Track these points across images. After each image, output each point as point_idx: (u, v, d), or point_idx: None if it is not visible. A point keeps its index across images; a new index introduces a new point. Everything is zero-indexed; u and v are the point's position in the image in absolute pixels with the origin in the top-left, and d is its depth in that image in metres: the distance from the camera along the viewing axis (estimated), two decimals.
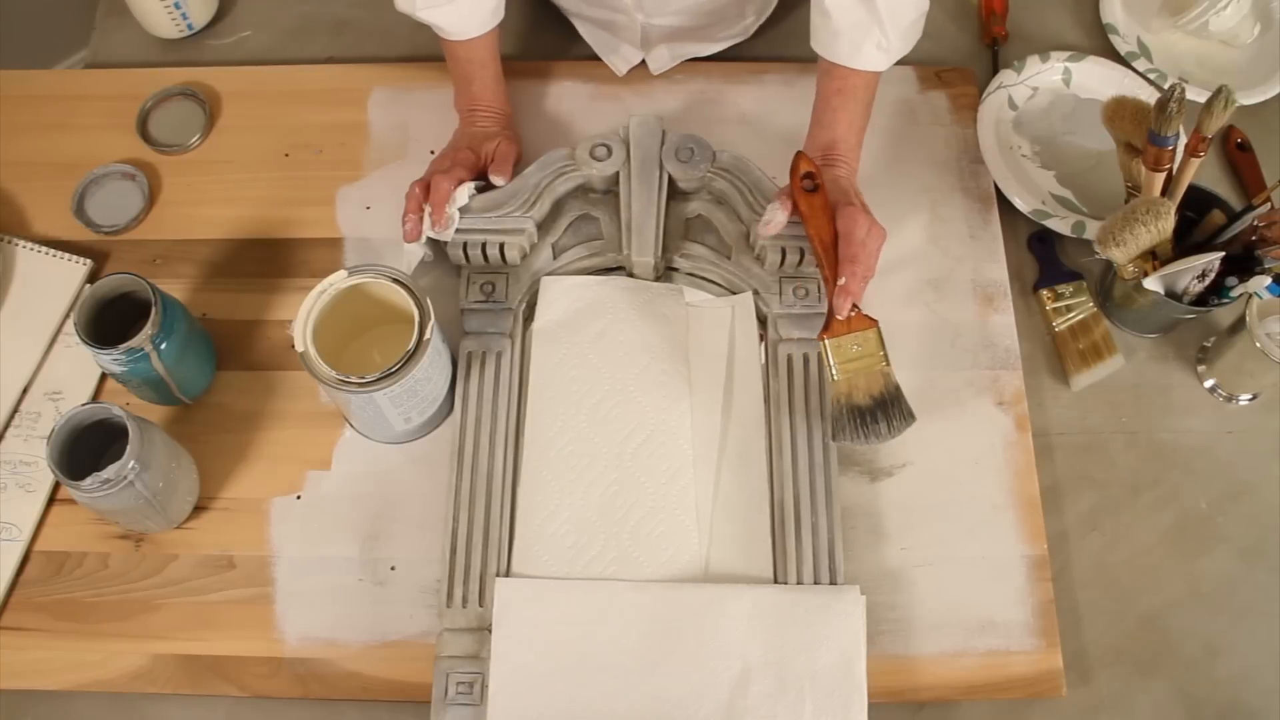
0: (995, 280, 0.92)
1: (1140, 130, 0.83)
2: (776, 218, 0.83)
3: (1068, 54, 1.02)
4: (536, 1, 1.07)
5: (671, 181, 0.89)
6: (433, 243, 0.89)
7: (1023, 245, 0.96)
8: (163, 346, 0.81)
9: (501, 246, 0.88)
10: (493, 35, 0.93)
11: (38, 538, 0.84)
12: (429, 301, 0.79)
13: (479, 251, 0.88)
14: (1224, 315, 0.90)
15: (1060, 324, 0.92)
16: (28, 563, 0.83)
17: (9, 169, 0.98)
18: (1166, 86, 0.83)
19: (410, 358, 0.78)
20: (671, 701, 0.75)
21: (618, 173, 0.89)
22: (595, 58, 1.02)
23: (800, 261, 0.87)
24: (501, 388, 0.85)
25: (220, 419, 0.88)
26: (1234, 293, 0.83)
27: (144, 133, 1.00)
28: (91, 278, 0.93)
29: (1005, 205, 0.95)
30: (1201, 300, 0.85)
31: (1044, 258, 0.95)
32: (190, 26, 1.06)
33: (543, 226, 0.90)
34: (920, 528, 0.83)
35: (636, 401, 0.85)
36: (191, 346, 0.85)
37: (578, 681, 0.76)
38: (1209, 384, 0.90)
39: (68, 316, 0.90)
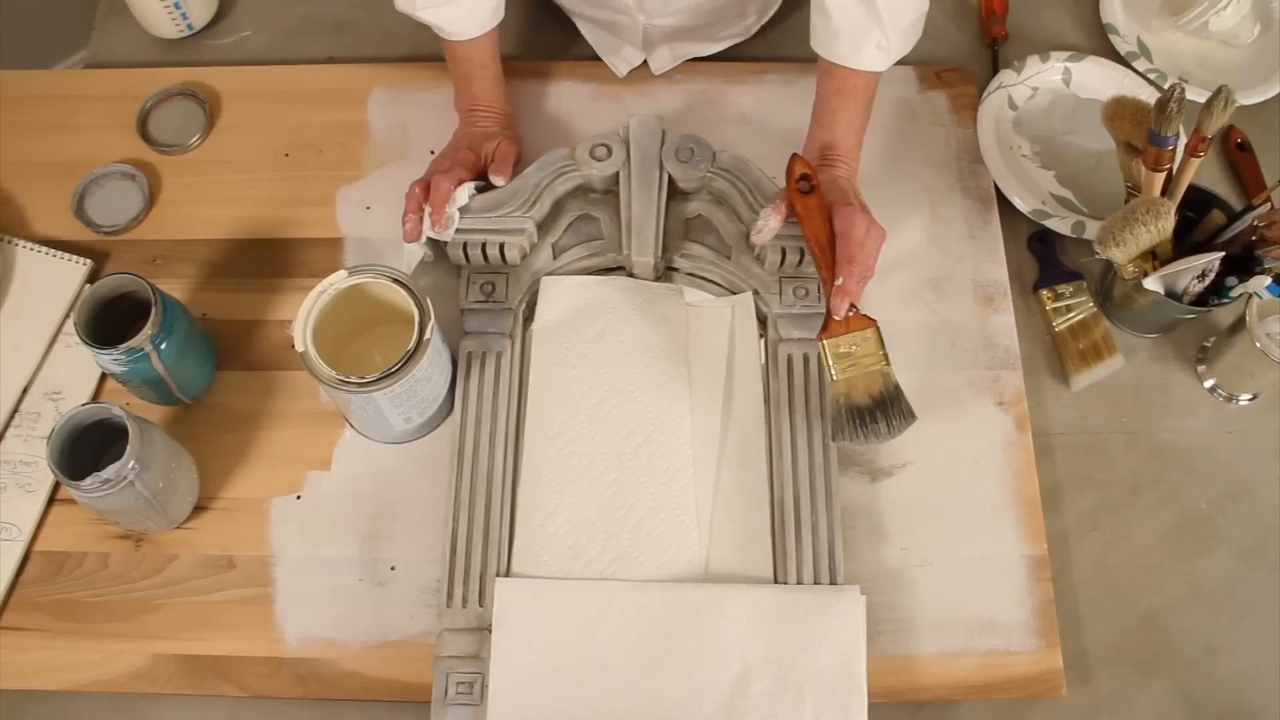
0: (995, 280, 0.92)
1: (1140, 130, 0.83)
2: (769, 224, 0.83)
3: (1068, 54, 1.02)
4: (537, 1, 1.07)
5: (671, 181, 0.89)
6: (433, 243, 0.89)
7: (1023, 245, 0.96)
8: (163, 346, 0.81)
9: (501, 246, 0.88)
10: (493, 35, 0.93)
11: (38, 538, 0.84)
12: (429, 301, 0.79)
13: (479, 251, 0.88)
14: (1224, 315, 0.90)
15: (1060, 324, 0.92)
16: (28, 563, 0.83)
17: (9, 169, 0.98)
18: (1166, 86, 0.83)
19: (410, 358, 0.78)
20: (671, 701, 0.75)
21: (618, 173, 0.89)
22: (595, 58, 1.02)
23: (800, 261, 0.87)
24: (501, 388, 0.85)
25: (220, 419, 0.88)
26: (1234, 293, 0.83)
27: (144, 133, 1.00)
28: (91, 278, 0.93)
29: (1005, 205, 0.95)
30: (1201, 300, 0.85)
31: (1044, 258, 0.95)
32: (190, 26, 1.06)
33: (543, 226, 0.90)
34: (920, 528, 0.83)
35: (636, 401, 0.85)
36: (191, 346, 0.85)
37: (578, 681, 0.76)
38: (1209, 384, 0.90)
39: (68, 316, 0.90)
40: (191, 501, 0.84)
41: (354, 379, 0.77)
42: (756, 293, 0.89)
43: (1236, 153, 0.99)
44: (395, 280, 0.80)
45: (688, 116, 1.00)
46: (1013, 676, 0.79)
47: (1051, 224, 0.93)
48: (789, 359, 0.86)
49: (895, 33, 0.84)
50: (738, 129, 0.99)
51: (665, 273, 0.91)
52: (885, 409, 0.79)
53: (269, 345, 0.91)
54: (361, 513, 0.84)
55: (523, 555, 0.80)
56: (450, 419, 0.86)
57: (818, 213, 0.82)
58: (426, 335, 0.78)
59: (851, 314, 0.79)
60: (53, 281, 0.92)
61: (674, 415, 0.84)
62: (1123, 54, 1.03)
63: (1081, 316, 0.91)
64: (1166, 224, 0.81)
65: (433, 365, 0.80)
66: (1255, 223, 0.82)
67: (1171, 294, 0.84)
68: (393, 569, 0.82)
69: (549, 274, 0.90)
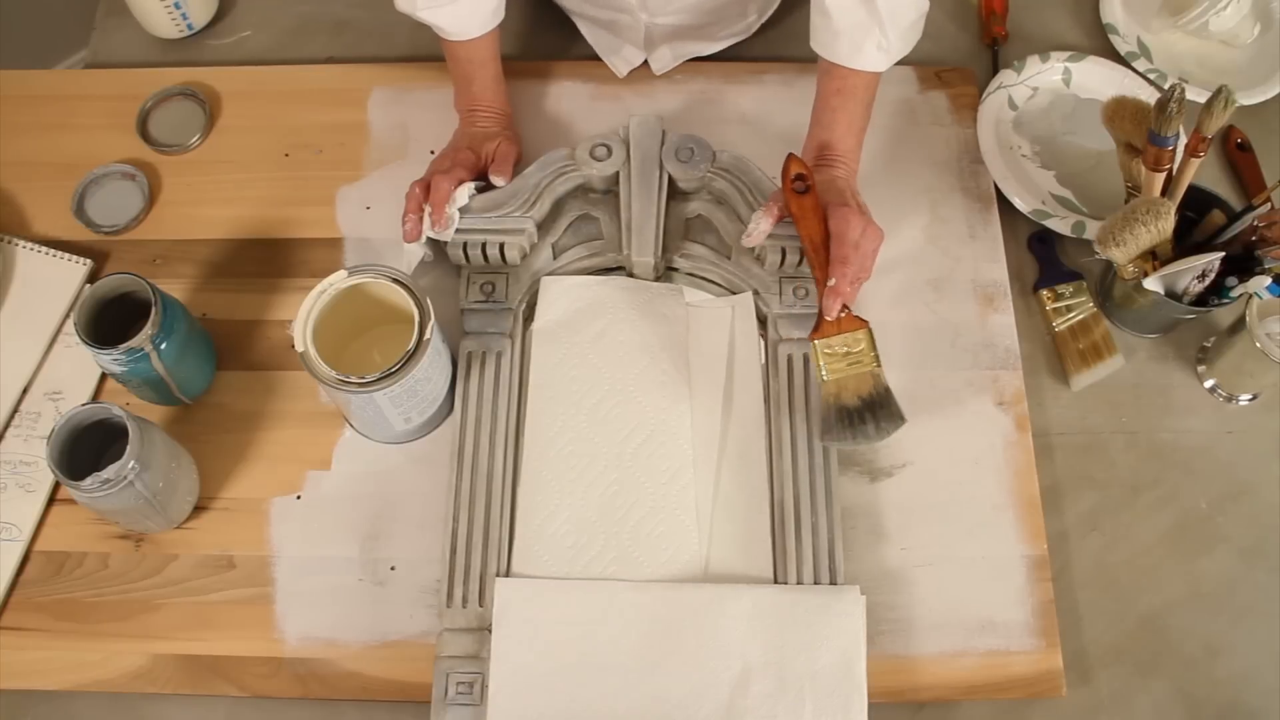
0: (995, 280, 0.92)
1: (1140, 130, 0.83)
2: (760, 227, 0.83)
3: (1068, 54, 1.02)
4: (537, 1, 1.07)
5: (671, 181, 0.89)
6: (433, 243, 0.89)
7: (1023, 245, 0.96)
8: (163, 346, 0.81)
9: (501, 246, 0.88)
10: (493, 35, 0.93)
11: (38, 538, 0.84)
12: (429, 301, 0.79)
13: (479, 251, 0.88)
14: (1224, 315, 0.90)
15: (1060, 324, 0.92)
16: (28, 563, 0.83)
17: (9, 169, 0.98)
18: (1166, 86, 0.83)
19: (410, 358, 0.78)
20: (671, 701, 0.75)
21: (618, 173, 0.89)
22: (595, 58, 1.02)
23: (800, 261, 0.87)
24: (501, 388, 0.85)
25: (220, 419, 0.88)
26: (1234, 293, 0.83)
27: (144, 133, 1.00)
28: (91, 278, 0.93)
29: (1005, 205, 0.95)
30: (1201, 300, 0.85)
31: (1044, 258, 0.95)
32: (190, 26, 1.06)
33: (543, 226, 0.90)
34: (920, 528, 0.83)
35: (636, 401, 0.85)
36: (191, 346, 0.85)
37: (578, 681, 0.76)
38: (1209, 384, 0.90)
39: (68, 316, 0.90)
40: (191, 501, 0.84)
41: (354, 379, 0.77)
42: (756, 293, 0.89)
43: (1236, 153, 0.99)
44: (395, 280, 0.80)
45: (688, 116, 1.00)
46: (1013, 676, 0.79)
47: (1051, 224, 0.93)
48: (789, 359, 0.86)
49: (895, 33, 0.84)
50: (738, 129, 0.99)
51: (665, 273, 0.91)
52: (874, 410, 0.79)
53: (269, 345, 0.91)
54: (361, 513, 0.84)
55: (523, 555, 0.80)
56: (450, 419, 0.86)
57: (813, 213, 0.82)
58: (426, 335, 0.78)
59: (844, 315, 0.80)
60: (53, 281, 0.92)
61: (674, 415, 0.84)
62: (1123, 54, 1.03)
63: (1081, 316, 0.91)
64: (1166, 224, 0.81)
65: (433, 365, 0.80)
66: (1255, 223, 0.82)
67: (1171, 294, 0.84)
68: (393, 569, 0.82)
69: (549, 274, 0.90)
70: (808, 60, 0.90)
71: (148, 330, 0.79)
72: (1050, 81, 1.02)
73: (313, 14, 1.08)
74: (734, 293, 0.90)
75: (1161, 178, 0.83)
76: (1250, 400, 0.89)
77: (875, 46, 0.84)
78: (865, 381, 0.79)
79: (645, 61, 1.02)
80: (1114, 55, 1.03)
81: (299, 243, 0.94)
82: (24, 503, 0.84)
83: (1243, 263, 0.83)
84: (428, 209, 0.87)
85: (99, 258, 0.94)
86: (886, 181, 0.95)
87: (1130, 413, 0.89)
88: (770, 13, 1.04)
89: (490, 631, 0.77)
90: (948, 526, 0.83)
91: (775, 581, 0.79)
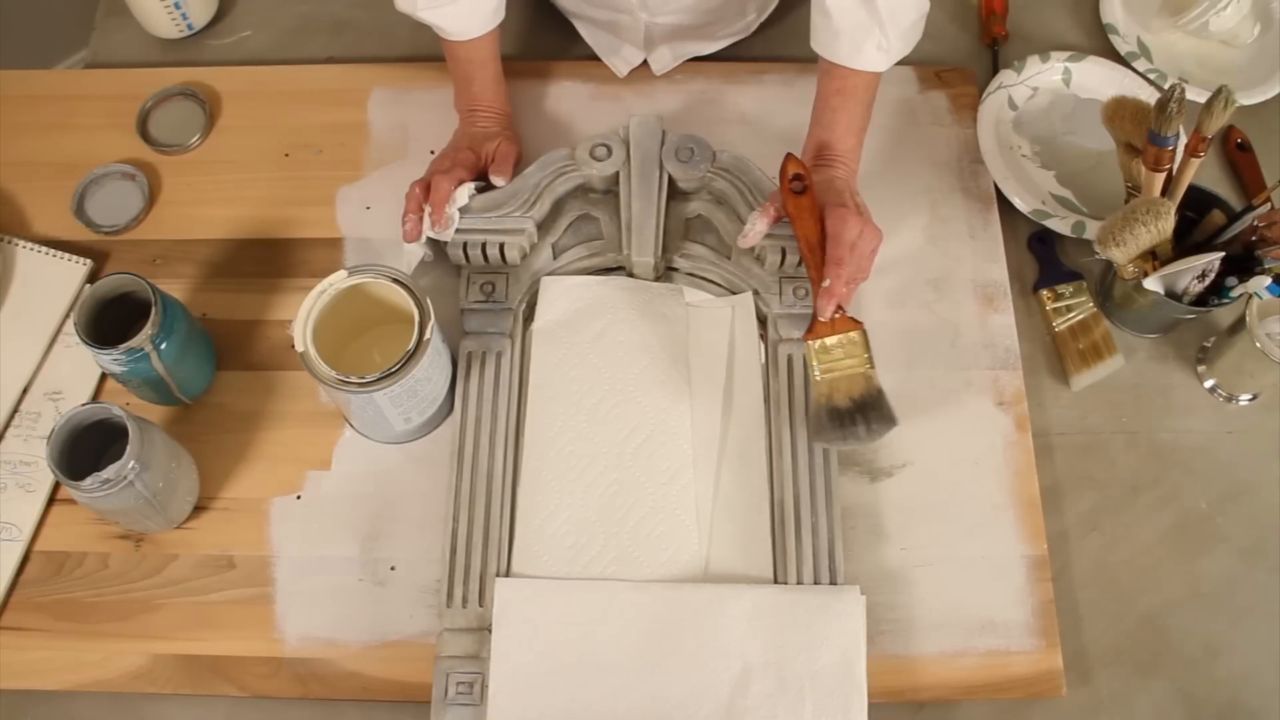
0: (995, 280, 0.92)
1: (1140, 130, 0.83)
2: (756, 228, 0.83)
3: (1068, 54, 1.02)
4: (536, 2, 1.07)
5: (671, 181, 0.89)
6: (433, 243, 0.89)
7: (1023, 245, 0.96)
8: (163, 346, 0.81)
9: (501, 246, 0.88)
10: (493, 36, 0.93)
11: (38, 538, 0.84)
12: (429, 301, 0.79)
13: (479, 251, 0.88)
14: (1224, 315, 0.90)
15: (1060, 324, 0.92)
16: (28, 563, 0.83)
17: (9, 169, 0.98)
18: (1166, 86, 0.83)
19: (410, 358, 0.78)
20: (671, 701, 0.75)
21: (618, 173, 0.89)
22: (596, 58, 1.02)
23: (800, 261, 0.87)
24: (501, 388, 0.85)
25: (220, 419, 0.88)
26: (1234, 293, 0.83)
27: (144, 133, 1.00)
28: (91, 278, 0.93)
29: (1005, 205, 0.95)
30: (1201, 300, 0.85)
31: (1044, 258, 0.95)
32: (190, 26, 1.06)
33: (543, 226, 0.90)
34: (920, 528, 0.83)
35: (636, 401, 0.85)
36: (191, 346, 0.85)
37: (578, 681, 0.76)
38: (1209, 384, 0.90)
39: (68, 316, 0.90)
40: (191, 501, 0.84)
41: (354, 379, 0.77)
42: (756, 293, 0.89)
43: (1236, 153, 0.99)
44: (395, 280, 0.80)
45: (688, 116, 1.00)
46: (1013, 676, 0.79)
47: (1051, 224, 0.93)
48: (789, 359, 0.86)
49: (896, 33, 0.84)
50: (738, 129, 0.99)
51: (665, 273, 0.91)
52: (865, 412, 0.79)
53: (269, 345, 0.91)
54: (361, 513, 0.84)
55: (523, 555, 0.80)
56: (450, 419, 0.86)
57: (809, 213, 0.82)
58: (426, 335, 0.78)
59: (838, 315, 0.80)
60: (53, 281, 0.92)
61: (674, 415, 0.84)
62: (1123, 54, 1.03)
63: (1081, 316, 0.91)
64: (1166, 224, 0.81)
65: (433, 365, 0.80)
66: (1255, 223, 0.82)
67: (1171, 294, 0.84)
68: (393, 569, 0.82)
69: (549, 274, 0.90)
70: (808, 60, 0.90)
71: (148, 330, 0.79)
72: (1050, 81, 1.02)
73: (313, 14, 1.08)
74: (734, 293, 0.90)
75: (1161, 178, 0.83)
76: (1250, 400, 0.89)
77: (875, 47, 0.84)
78: (858, 383, 0.79)
79: (645, 61, 1.02)
80: (1114, 55, 1.03)
81: (299, 243, 0.94)
82: (24, 503, 0.84)
83: (1243, 263, 0.83)
84: (428, 209, 0.87)
85: (99, 258, 0.94)
86: (886, 181, 0.95)
87: (1130, 413, 0.89)
88: (769, 11, 1.04)
89: (490, 631, 0.77)
90: (948, 526, 0.83)
91: (775, 581, 0.79)
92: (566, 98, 1.01)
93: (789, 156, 0.83)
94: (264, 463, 0.86)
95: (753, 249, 0.88)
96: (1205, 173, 0.90)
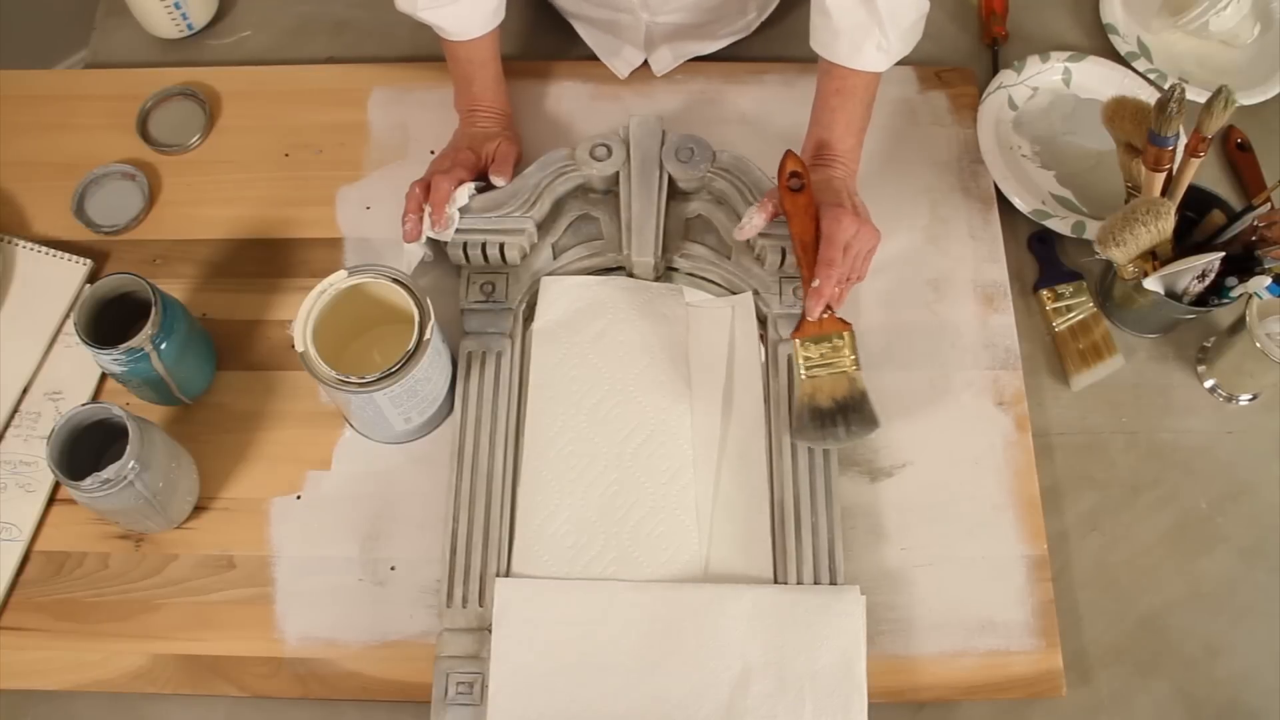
0: (995, 280, 0.92)
1: (1140, 130, 0.83)
2: (753, 221, 0.84)
3: (1068, 54, 1.02)
4: (536, 2, 1.07)
5: (671, 181, 0.89)
6: (433, 243, 0.89)
7: (1023, 245, 0.96)
8: (163, 346, 0.81)
9: (501, 246, 0.88)
10: (493, 36, 0.93)
11: (38, 538, 0.84)
12: (429, 301, 0.79)
13: (479, 251, 0.88)
14: (1224, 315, 0.90)
15: (1060, 324, 0.92)
16: (28, 563, 0.83)
17: (9, 169, 0.98)
18: (1166, 86, 0.83)
19: (410, 358, 0.78)
20: (671, 701, 0.75)
21: (618, 173, 0.89)
22: (596, 58, 1.02)
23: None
24: (501, 388, 0.85)
25: (220, 419, 0.88)
26: (1234, 293, 0.83)
27: (144, 133, 1.00)
28: (91, 278, 0.93)
29: (1005, 205, 0.95)
30: (1201, 300, 0.85)
31: (1044, 258, 0.95)
32: (190, 26, 1.06)
33: (543, 226, 0.90)
34: (920, 528, 0.83)
35: (636, 401, 0.85)
36: (191, 346, 0.85)
37: (578, 681, 0.76)
38: (1209, 384, 0.90)
39: (68, 316, 0.90)
40: (191, 501, 0.84)
41: (354, 379, 0.77)
42: (756, 293, 0.89)
43: (1236, 153, 0.99)
44: (395, 280, 0.80)
45: (688, 116, 1.00)
46: (1013, 676, 0.79)
47: (1051, 224, 0.93)
48: (789, 359, 0.86)
49: (895, 33, 0.84)
50: (738, 129, 0.99)
51: (665, 273, 0.91)
52: (846, 413, 0.79)
53: (269, 345, 0.91)
54: (361, 513, 0.84)
55: (523, 555, 0.80)
56: (450, 419, 0.86)
57: (805, 212, 0.82)
58: (426, 335, 0.78)
59: (827, 316, 0.80)
60: (53, 281, 0.92)
61: (674, 415, 0.84)
62: (1123, 54, 1.03)
63: (1081, 316, 0.91)
64: (1166, 224, 0.81)
65: (433, 365, 0.80)
66: (1255, 223, 0.82)
67: (1171, 294, 0.84)
68: (393, 569, 0.82)
69: (549, 274, 0.90)
70: (808, 60, 0.90)
71: (148, 330, 0.79)
72: (1050, 81, 1.02)
73: (313, 14, 1.08)
74: (734, 293, 0.90)
75: (1161, 178, 0.83)
76: (1250, 400, 0.89)
77: (875, 47, 0.84)
78: (841, 384, 0.80)
79: (645, 62, 1.02)
80: (1114, 55, 1.03)
81: (299, 243, 0.94)
82: (24, 503, 0.84)
83: (1243, 263, 0.83)
84: (428, 209, 0.87)
85: (99, 258, 0.94)
86: (886, 181, 0.95)
87: (1130, 413, 0.89)
88: (770, 11, 1.04)
89: (490, 631, 0.77)
90: (948, 526, 0.83)
91: (775, 581, 0.79)
92: (566, 98, 1.01)
93: (788, 153, 0.83)
94: (264, 463, 0.86)
95: (753, 249, 0.88)
96: (1205, 173, 0.90)
